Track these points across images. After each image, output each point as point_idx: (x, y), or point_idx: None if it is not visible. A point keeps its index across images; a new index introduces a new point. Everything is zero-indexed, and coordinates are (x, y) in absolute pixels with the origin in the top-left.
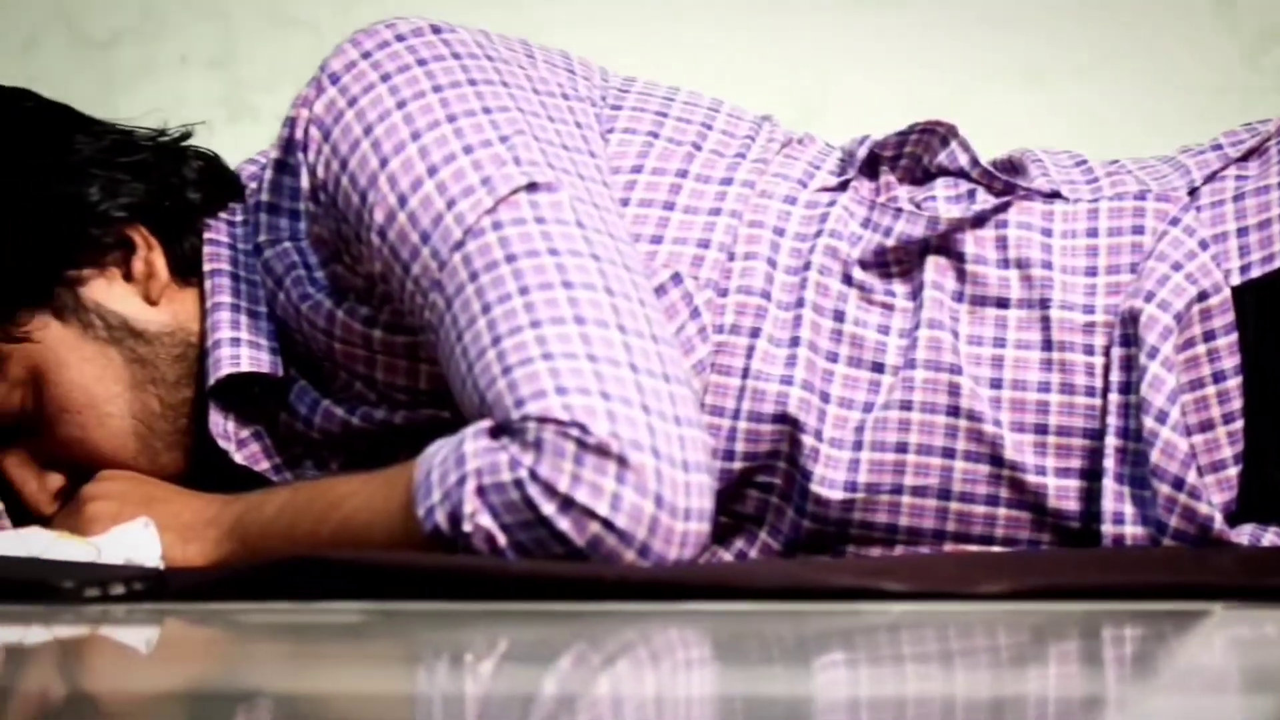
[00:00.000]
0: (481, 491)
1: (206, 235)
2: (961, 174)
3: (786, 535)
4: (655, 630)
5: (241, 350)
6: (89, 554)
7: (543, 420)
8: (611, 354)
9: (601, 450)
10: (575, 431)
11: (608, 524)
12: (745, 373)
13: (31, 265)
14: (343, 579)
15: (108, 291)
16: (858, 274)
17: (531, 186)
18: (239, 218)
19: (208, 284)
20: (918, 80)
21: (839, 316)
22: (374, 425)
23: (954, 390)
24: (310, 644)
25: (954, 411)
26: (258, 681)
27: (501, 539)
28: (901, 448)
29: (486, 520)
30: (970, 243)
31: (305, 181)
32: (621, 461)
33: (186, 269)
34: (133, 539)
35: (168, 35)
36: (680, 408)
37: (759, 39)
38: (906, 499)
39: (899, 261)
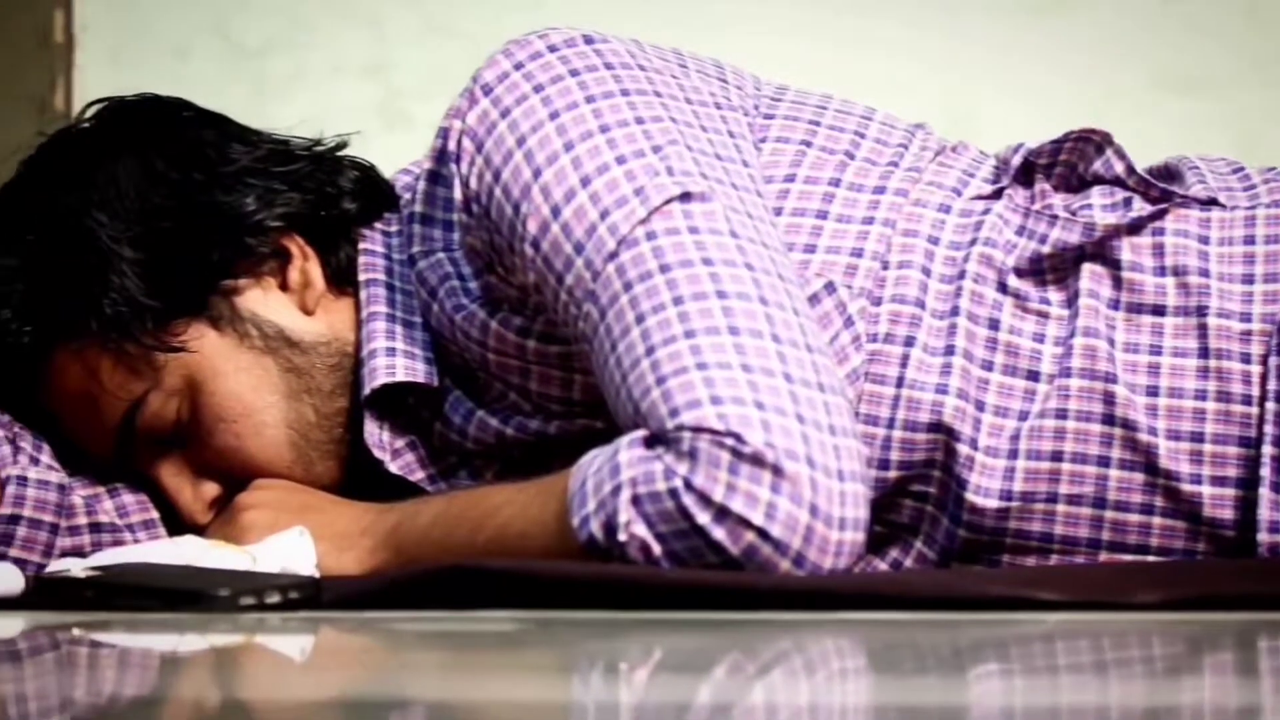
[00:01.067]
0: (636, 501)
1: (361, 245)
2: (1117, 181)
3: (942, 544)
4: (810, 639)
5: (397, 360)
6: (244, 562)
7: (697, 430)
8: (766, 363)
9: (756, 460)
10: (730, 441)
11: (763, 533)
12: (900, 382)
13: (188, 275)
14: (498, 587)
15: (264, 301)
16: (1013, 282)
17: (685, 196)
18: (394, 228)
19: (363, 294)
20: (1071, 88)
21: (994, 325)
22: (528, 435)
23: (1109, 399)
24: (465, 653)
25: (1109, 420)
26: (412, 690)
27: (656, 548)
28: (1057, 456)
29: (641, 530)
30: (1126, 250)
31: (458, 193)
32: (776, 471)
33: (342, 279)
34: (288, 547)
35: (320, 44)
36: (835, 417)
37: (912, 48)
38: (1061, 508)
39: (1054, 269)
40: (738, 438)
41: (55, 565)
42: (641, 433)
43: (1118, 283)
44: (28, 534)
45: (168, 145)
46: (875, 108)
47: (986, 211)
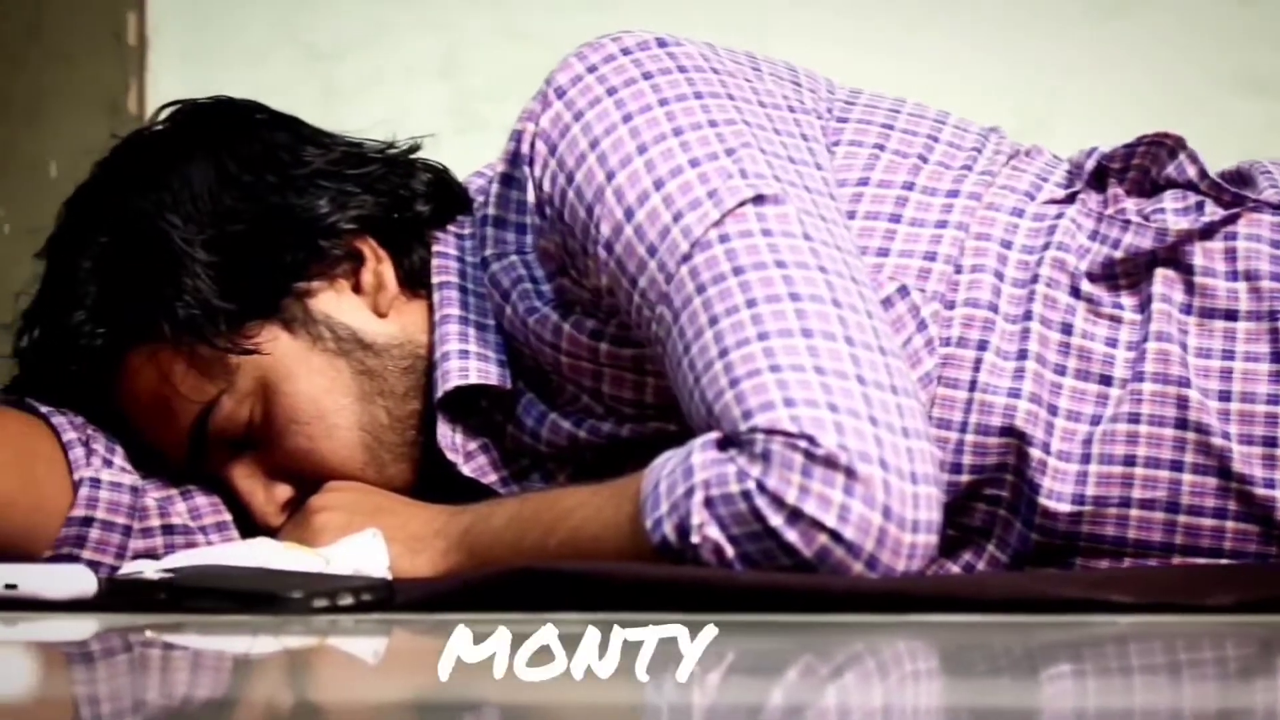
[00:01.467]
0: (709, 503)
1: (435, 248)
2: (1190, 186)
3: (1014, 548)
4: (883, 641)
5: (470, 363)
6: (317, 564)
7: (771, 432)
8: (839, 366)
9: (829, 462)
10: (803, 443)
11: (836, 535)
12: (972, 385)
13: (261, 277)
14: (570, 589)
15: (337, 303)
16: (1085, 286)
17: (758, 199)
18: (466, 230)
19: (436, 296)
20: (1143, 92)
21: (1067, 329)
22: (600, 438)
23: (1182, 403)
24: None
25: (1182, 424)
26: (484, 692)
27: (729, 550)
28: (1129, 461)
29: (714, 532)
30: (1199, 255)
31: (531, 195)
32: (849, 473)
33: (415, 281)
34: (361, 549)
35: (394, 47)
36: (908, 419)
37: (985, 52)
38: (1134, 512)
39: (1127, 274)
40: (811, 440)
41: (128, 567)
42: (715, 435)
43: (1190, 288)
44: (100, 536)
45: (240, 147)
46: (948, 112)
47: (1060, 216)
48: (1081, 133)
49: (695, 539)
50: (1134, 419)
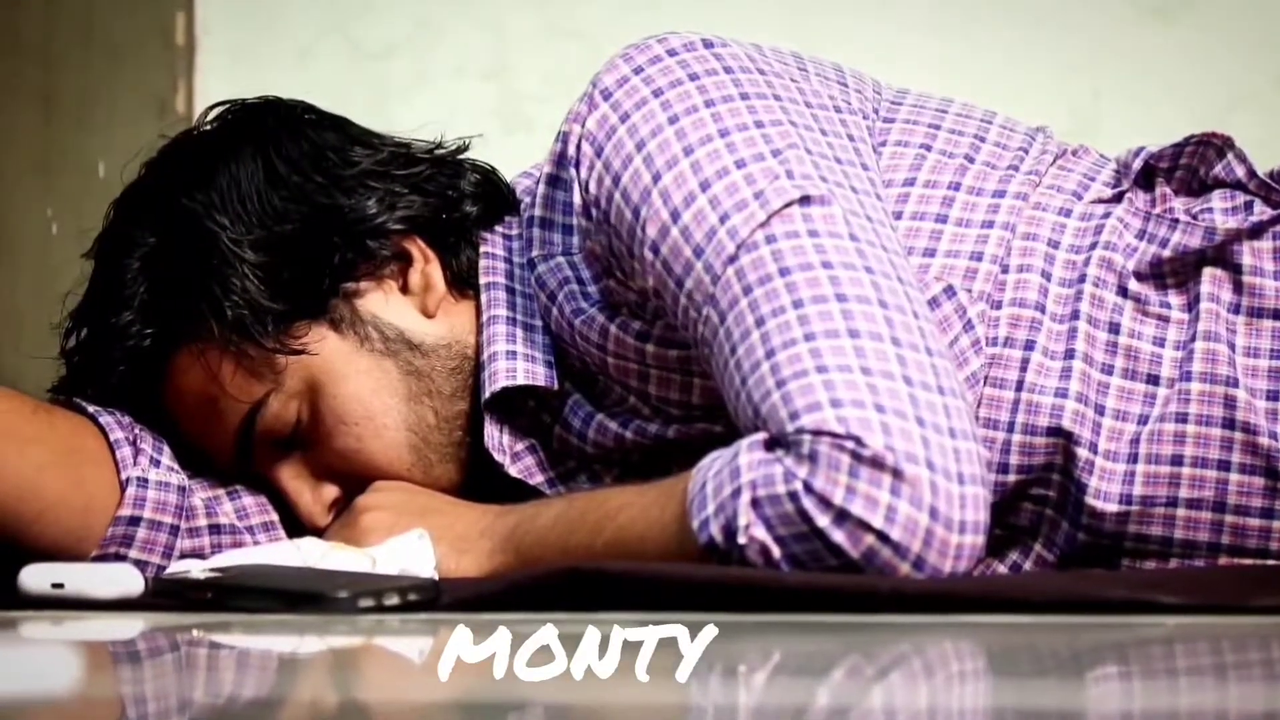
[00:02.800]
0: (756, 504)
1: (482, 248)
2: (1238, 186)
3: (1061, 548)
4: (928, 642)
5: (518, 363)
6: (364, 564)
7: (818, 433)
8: (885, 367)
9: (876, 463)
10: (850, 444)
11: (882, 536)
12: (1019, 385)
13: (309, 278)
14: (617, 590)
15: (384, 304)
16: (1133, 285)
17: (804, 200)
18: (514, 231)
19: (484, 297)
20: (1193, 92)
21: (1114, 329)
22: (647, 439)
23: (1230, 403)
24: (583, 655)
25: (1229, 424)
26: (531, 693)
27: (776, 551)
28: (1176, 460)
29: (761, 533)
30: (1247, 254)
31: (577, 197)
32: (896, 474)
33: (462, 282)
34: (408, 550)
35: (442, 46)
36: (955, 420)
37: (1031, 54)
38: (1181, 511)
39: (1175, 273)
40: (858, 441)
41: (175, 567)
42: (761, 435)
43: (1238, 287)
44: (147, 535)
45: (289, 148)
46: (995, 111)
47: (1107, 215)
48: (1128, 134)
49: (742, 539)
50: (1181, 419)
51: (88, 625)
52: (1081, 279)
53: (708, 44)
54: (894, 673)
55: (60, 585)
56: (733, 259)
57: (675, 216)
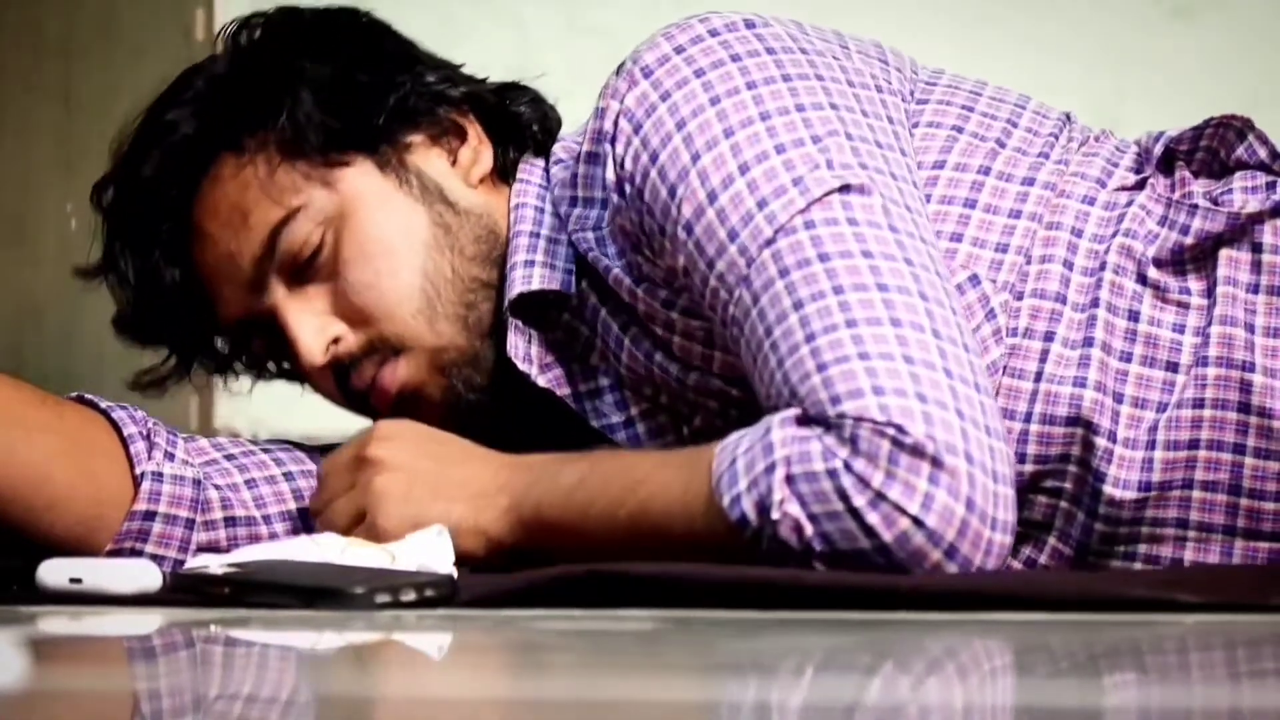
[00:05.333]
0: (791, 480)
1: (519, 174)
2: (1261, 167)
3: (1077, 539)
4: (946, 640)
5: (535, 270)
6: (382, 560)
7: (859, 419)
8: (927, 357)
9: (917, 451)
10: (891, 431)
11: (918, 522)
12: (1038, 376)
13: (369, 110)
14: (635, 588)
15: (430, 162)
16: (1153, 273)
17: (845, 188)
18: (554, 167)
19: (512, 216)
20: (1213, 93)
21: (1134, 316)
22: (670, 377)
23: (1246, 387)
24: (603, 652)
25: (1245, 408)
26: (549, 690)
27: (809, 528)
28: (1193, 445)
29: (795, 509)
30: (1268, 233)
31: (611, 173)
32: (936, 463)
33: (506, 175)
34: (426, 546)
35: (465, 43)
36: (989, 418)
37: (1056, 52)
38: (1197, 494)
39: (1194, 259)
40: (899, 429)
41: (192, 562)
42: (793, 412)
43: (1257, 267)
44: (163, 530)
45: (360, 43)
46: (1029, 96)
47: (1130, 203)
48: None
49: (775, 515)
50: (1198, 404)
51: (106, 621)
52: (1102, 267)
53: (749, 24)
54: (914, 670)
55: (78, 580)
56: (770, 242)
57: (712, 198)
